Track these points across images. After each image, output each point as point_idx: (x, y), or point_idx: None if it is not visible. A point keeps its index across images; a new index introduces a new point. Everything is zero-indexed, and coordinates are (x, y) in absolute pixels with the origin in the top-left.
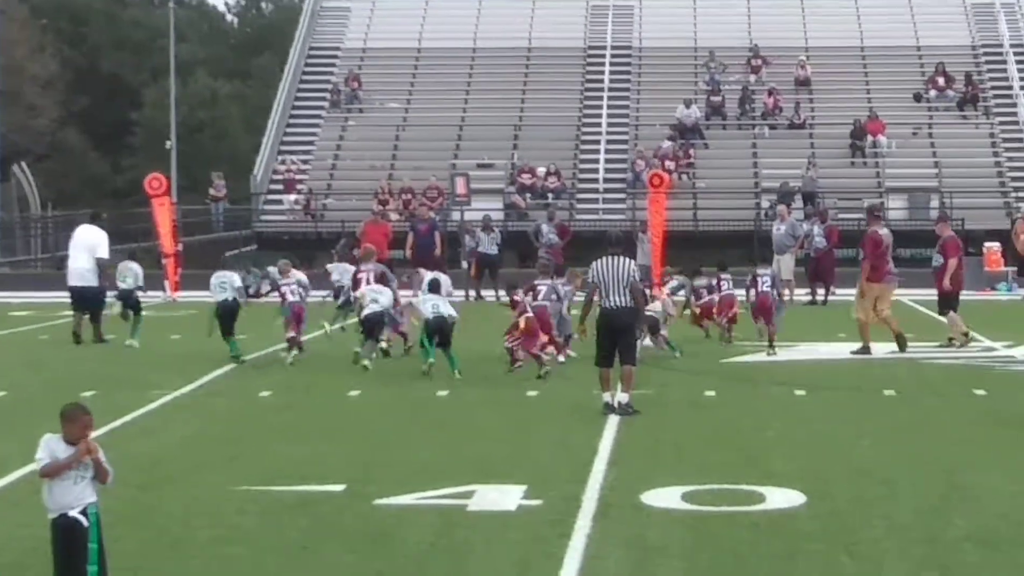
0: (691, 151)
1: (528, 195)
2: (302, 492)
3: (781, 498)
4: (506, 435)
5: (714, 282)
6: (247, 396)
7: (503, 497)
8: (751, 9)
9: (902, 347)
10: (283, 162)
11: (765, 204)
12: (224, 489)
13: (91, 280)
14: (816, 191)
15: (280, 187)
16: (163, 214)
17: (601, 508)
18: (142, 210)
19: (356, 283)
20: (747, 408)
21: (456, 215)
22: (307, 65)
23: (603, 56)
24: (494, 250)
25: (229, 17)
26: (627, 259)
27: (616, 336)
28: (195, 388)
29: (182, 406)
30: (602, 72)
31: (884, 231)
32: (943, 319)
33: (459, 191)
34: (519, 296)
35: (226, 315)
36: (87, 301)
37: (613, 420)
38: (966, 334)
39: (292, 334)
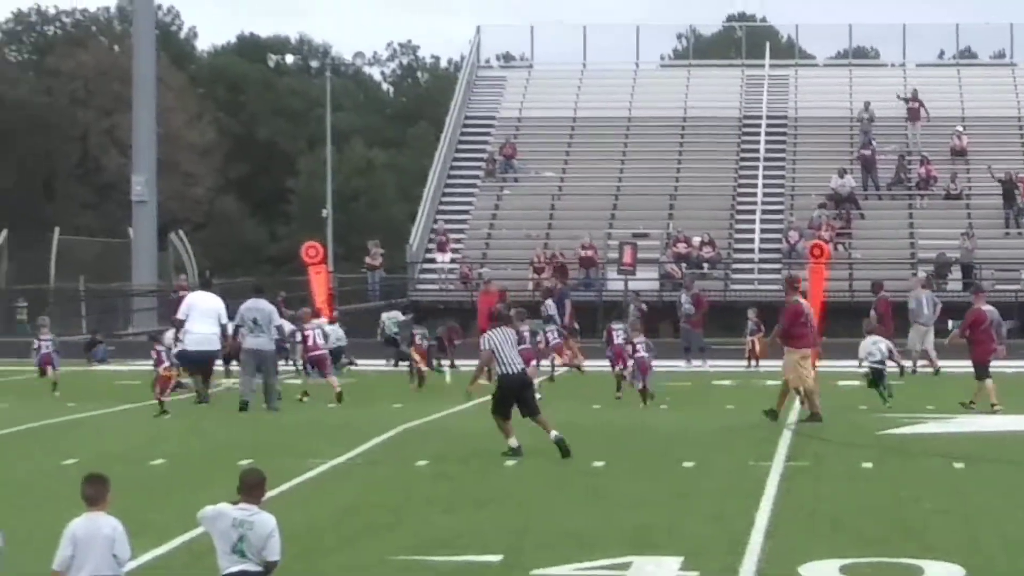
0: (849, 220)
1: (683, 265)
2: (459, 562)
3: (940, 571)
4: (662, 505)
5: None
6: (404, 465)
7: (660, 569)
8: (907, 78)
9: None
10: (436, 230)
11: (921, 275)
12: (381, 559)
13: (216, 344)
14: (973, 262)
15: (435, 256)
16: (319, 282)
17: None
18: (298, 278)
19: (304, 340)
20: (904, 480)
21: (617, 284)
22: (463, 134)
23: (758, 126)
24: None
25: (385, 86)
26: (512, 330)
27: (515, 394)
28: (353, 456)
29: (339, 474)
30: (757, 142)
31: (804, 302)
32: None
33: (625, 260)
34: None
35: None
36: (206, 364)
37: (770, 491)
38: (993, 405)
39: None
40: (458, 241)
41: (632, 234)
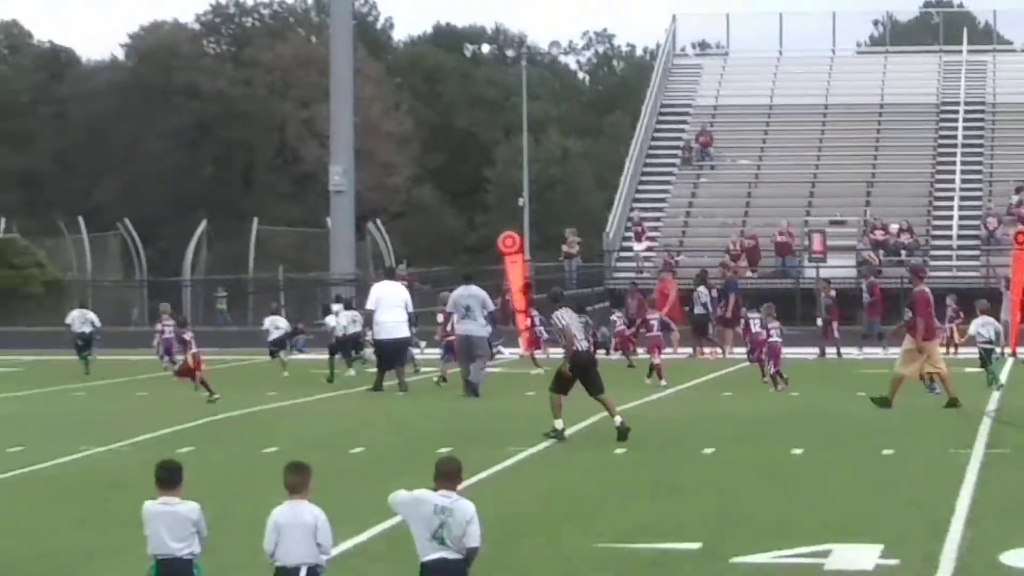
0: None
1: (881, 252)
2: (659, 550)
3: None
4: (861, 493)
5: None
6: (602, 452)
7: (860, 556)
8: None
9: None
10: (632, 219)
11: None
12: (580, 546)
13: (406, 331)
14: None
15: (631, 245)
16: (515, 271)
17: (960, 568)
18: (495, 267)
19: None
20: None
21: (810, 272)
22: (659, 122)
23: (956, 112)
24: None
25: (581, 75)
26: (580, 312)
27: (583, 373)
28: (549, 445)
29: (538, 462)
30: (955, 128)
31: (928, 290)
32: None
33: (815, 248)
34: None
35: (84, 344)
36: (399, 351)
37: (970, 479)
38: None
39: None
40: (655, 229)
41: (829, 221)
